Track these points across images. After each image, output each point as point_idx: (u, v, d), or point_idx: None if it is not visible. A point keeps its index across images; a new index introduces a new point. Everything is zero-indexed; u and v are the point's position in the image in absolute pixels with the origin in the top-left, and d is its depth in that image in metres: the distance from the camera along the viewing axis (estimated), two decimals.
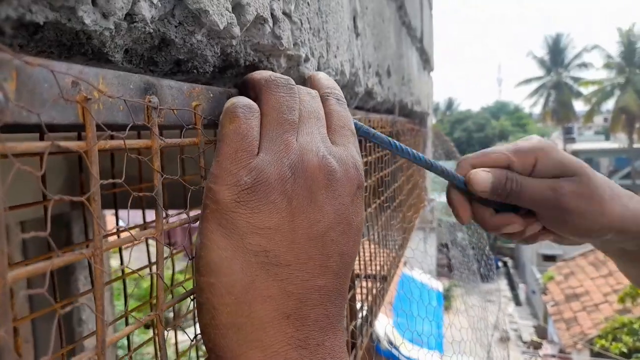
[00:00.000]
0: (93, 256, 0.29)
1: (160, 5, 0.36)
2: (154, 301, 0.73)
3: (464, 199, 0.64)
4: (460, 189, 0.63)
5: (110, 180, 0.30)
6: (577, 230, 0.61)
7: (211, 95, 0.42)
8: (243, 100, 0.39)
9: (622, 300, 8.65)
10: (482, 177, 0.60)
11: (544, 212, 0.61)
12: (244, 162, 0.36)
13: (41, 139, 0.61)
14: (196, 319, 0.38)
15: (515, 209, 0.63)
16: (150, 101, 0.33)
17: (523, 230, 0.63)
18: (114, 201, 0.88)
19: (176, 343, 0.91)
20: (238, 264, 0.35)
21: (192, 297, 0.38)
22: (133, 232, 0.35)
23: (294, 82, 0.41)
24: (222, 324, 0.34)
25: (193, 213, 0.43)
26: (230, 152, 0.36)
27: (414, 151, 0.60)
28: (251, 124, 0.37)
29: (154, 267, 0.75)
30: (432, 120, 4.21)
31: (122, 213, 0.97)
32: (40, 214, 0.75)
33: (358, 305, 1.07)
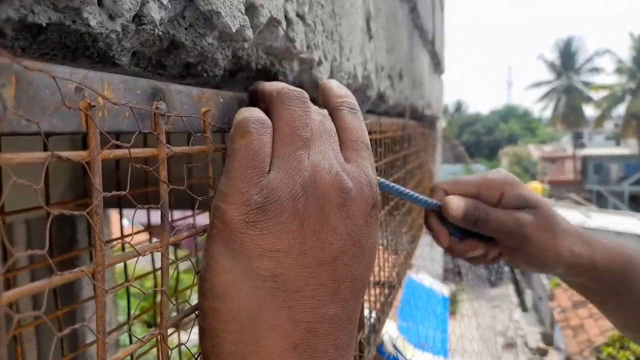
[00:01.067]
0: (95, 273, 0.28)
1: (170, 6, 0.34)
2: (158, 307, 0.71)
3: (442, 225, 0.68)
4: (435, 213, 0.68)
5: (115, 193, 0.28)
6: (532, 260, 0.67)
7: (221, 100, 0.41)
8: (255, 113, 0.36)
9: None
10: (457, 203, 0.64)
11: (506, 240, 0.66)
12: (255, 180, 0.34)
13: (45, 145, 0.59)
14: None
15: (478, 237, 0.69)
16: (157, 108, 0.32)
17: (485, 254, 0.69)
18: (118, 200, 0.87)
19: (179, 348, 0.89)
20: (245, 289, 0.32)
21: (195, 313, 0.37)
22: (137, 244, 0.33)
23: (307, 96, 0.39)
24: (225, 352, 0.32)
25: (199, 218, 0.42)
26: (240, 170, 0.34)
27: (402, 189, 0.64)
28: (263, 140, 0.35)
29: (158, 272, 0.73)
30: (442, 124, 4.18)
31: (127, 210, 0.96)
32: (45, 212, 0.74)
33: (366, 312, 1.06)
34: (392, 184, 0.61)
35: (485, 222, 0.64)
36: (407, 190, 0.64)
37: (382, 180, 0.58)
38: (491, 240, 0.68)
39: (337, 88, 0.44)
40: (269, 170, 0.35)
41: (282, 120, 0.37)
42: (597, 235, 0.70)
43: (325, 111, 0.42)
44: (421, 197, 0.66)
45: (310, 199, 0.35)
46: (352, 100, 0.44)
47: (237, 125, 0.36)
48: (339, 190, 0.36)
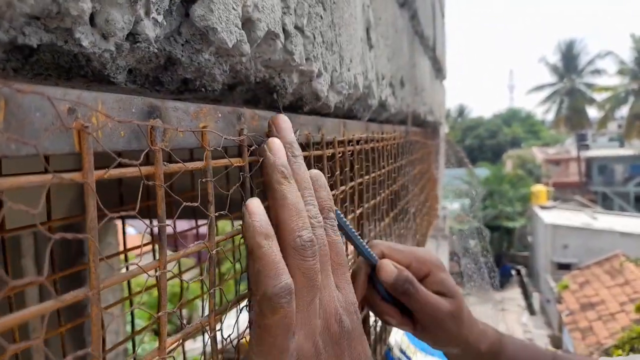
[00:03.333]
0: (91, 296, 0.27)
1: (165, 23, 0.34)
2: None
3: (369, 278, 0.71)
4: (368, 264, 0.70)
5: (119, 214, 0.28)
6: (437, 340, 0.72)
7: (219, 115, 0.40)
8: (284, 284, 0.39)
9: (639, 309, 8.51)
10: (390, 269, 0.67)
11: (423, 318, 0.69)
12: (286, 346, 0.39)
13: (46, 167, 0.59)
14: (213, 327, 0.41)
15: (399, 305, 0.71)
16: (153, 127, 0.31)
17: (397, 323, 0.72)
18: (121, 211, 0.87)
19: (184, 353, 0.89)
20: None
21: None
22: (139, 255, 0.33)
23: (316, 242, 0.43)
24: None
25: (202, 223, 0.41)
26: (276, 344, 0.38)
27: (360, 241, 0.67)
28: (293, 308, 0.39)
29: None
30: (445, 129, 4.17)
31: (128, 216, 0.95)
32: (52, 225, 0.74)
33: (371, 321, 1.05)
34: (348, 223, 0.63)
35: (412, 296, 0.67)
36: (358, 236, 0.67)
37: (339, 214, 0.60)
38: (405, 311, 0.71)
39: (325, 192, 0.49)
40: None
41: (299, 271, 0.41)
42: (486, 325, 0.78)
43: (320, 218, 0.46)
44: (366, 246, 0.68)
45: (327, 348, 0.42)
46: (333, 212, 0.49)
47: (268, 298, 0.39)
48: (344, 333, 0.43)
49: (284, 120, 0.49)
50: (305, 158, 0.60)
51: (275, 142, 0.45)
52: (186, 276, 0.90)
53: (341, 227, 0.62)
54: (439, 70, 2.99)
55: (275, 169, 0.43)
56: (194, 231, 0.93)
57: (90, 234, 0.27)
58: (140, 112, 0.31)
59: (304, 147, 0.59)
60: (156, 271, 0.37)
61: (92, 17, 0.28)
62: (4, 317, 0.23)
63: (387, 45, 1.13)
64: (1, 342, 0.22)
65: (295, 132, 0.49)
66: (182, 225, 1.05)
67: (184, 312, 0.94)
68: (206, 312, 0.44)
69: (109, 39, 0.29)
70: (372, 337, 1.02)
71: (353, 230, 0.65)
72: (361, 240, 0.67)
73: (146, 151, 0.31)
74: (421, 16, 1.88)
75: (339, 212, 0.60)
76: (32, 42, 0.26)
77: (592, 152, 29.64)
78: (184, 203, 0.35)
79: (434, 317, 0.68)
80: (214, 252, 0.40)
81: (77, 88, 0.28)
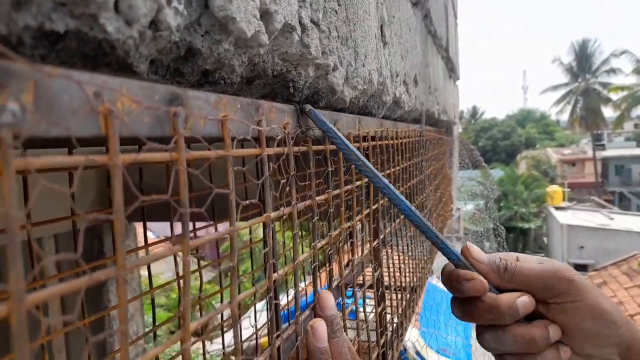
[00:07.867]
0: (117, 276, 0.28)
1: (185, 13, 0.35)
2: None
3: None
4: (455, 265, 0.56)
5: (142, 199, 0.28)
6: (588, 324, 0.52)
7: (239, 106, 0.41)
8: None
9: None
10: (478, 250, 0.56)
11: (542, 292, 0.53)
12: None
13: (69, 153, 0.60)
14: (224, 330, 0.39)
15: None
16: (175, 113, 0.32)
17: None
18: (142, 214, 0.88)
19: (204, 353, 0.90)
20: None
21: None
22: (159, 247, 0.34)
23: None
24: None
25: (220, 225, 0.42)
26: None
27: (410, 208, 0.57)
28: None
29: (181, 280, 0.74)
30: (458, 129, 4.16)
31: (150, 224, 0.96)
32: (76, 220, 0.75)
33: (388, 317, 1.05)
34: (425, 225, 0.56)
35: (513, 273, 0.54)
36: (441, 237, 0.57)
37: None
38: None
39: None
40: None
41: None
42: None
43: None
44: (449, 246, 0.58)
45: None
46: None
47: None
48: None
49: (328, 299, 0.55)
50: (321, 152, 0.60)
51: (318, 329, 0.52)
52: (204, 276, 0.91)
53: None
54: (452, 70, 2.99)
55: (315, 355, 0.51)
56: (212, 230, 0.94)
57: (116, 216, 0.28)
58: (162, 100, 0.32)
59: (320, 141, 0.60)
60: (175, 258, 0.37)
61: (116, 4, 0.28)
62: (37, 292, 0.23)
63: (401, 43, 1.13)
64: (38, 316, 0.23)
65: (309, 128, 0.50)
66: (198, 226, 1.06)
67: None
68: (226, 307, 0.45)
69: (133, 26, 0.30)
70: (390, 330, 1.02)
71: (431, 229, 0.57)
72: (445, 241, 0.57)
73: (175, 138, 0.31)
74: (434, 15, 1.88)
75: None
76: (59, 27, 0.26)
77: (608, 152, 29.38)
78: (214, 189, 0.35)
79: (551, 277, 0.52)
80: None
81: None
